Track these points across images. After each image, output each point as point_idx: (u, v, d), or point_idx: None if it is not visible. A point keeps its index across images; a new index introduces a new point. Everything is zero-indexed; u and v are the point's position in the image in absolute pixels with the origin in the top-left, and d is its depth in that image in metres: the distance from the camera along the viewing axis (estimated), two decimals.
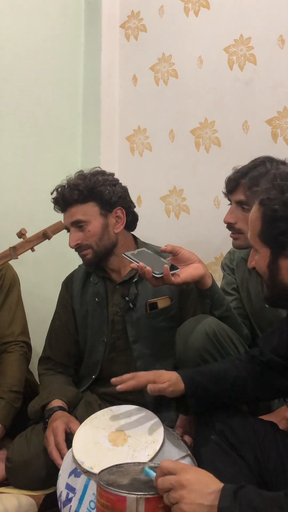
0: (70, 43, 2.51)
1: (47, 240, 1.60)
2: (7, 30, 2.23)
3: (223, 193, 1.77)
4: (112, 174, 1.84)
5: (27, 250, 1.53)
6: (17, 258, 1.52)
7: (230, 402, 1.35)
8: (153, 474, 0.98)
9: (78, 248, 1.75)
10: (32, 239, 1.54)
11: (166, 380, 1.33)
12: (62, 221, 1.76)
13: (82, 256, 1.77)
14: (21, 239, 1.53)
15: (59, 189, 1.76)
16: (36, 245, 1.54)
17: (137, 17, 2.46)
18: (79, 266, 1.90)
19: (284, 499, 0.91)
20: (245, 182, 1.66)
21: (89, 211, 1.73)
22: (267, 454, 1.24)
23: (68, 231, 1.77)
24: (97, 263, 1.77)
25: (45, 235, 1.55)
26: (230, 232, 1.76)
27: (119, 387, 1.34)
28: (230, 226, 1.74)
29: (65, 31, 2.49)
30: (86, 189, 1.72)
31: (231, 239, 1.77)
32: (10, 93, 2.26)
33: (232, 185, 1.71)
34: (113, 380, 1.36)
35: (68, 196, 1.73)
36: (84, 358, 1.83)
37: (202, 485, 0.93)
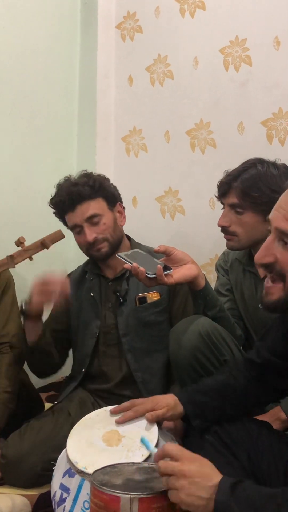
0: (66, 44, 2.52)
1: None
2: (3, 30, 2.23)
3: (216, 196, 1.77)
4: None
5: (25, 259, 1.53)
6: (14, 267, 1.52)
7: (233, 413, 1.33)
8: (151, 447, 1.01)
9: (95, 242, 1.75)
10: (30, 248, 1.53)
11: (164, 406, 1.32)
12: (65, 225, 1.77)
13: (97, 250, 1.77)
14: (19, 248, 1.52)
15: (63, 189, 1.77)
16: (34, 254, 1.54)
17: (133, 18, 2.47)
18: (77, 268, 1.94)
19: (281, 496, 0.92)
20: (237, 185, 1.66)
21: (100, 206, 1.77)
22: (260, 454, 1.24)
23: (80, 232, 1.76)
24: (110, 256, 1.79)
25: (43, 244, 1.55)
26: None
27: (118, 419, 1.32)
28: (224, 229, 1.74)
29: (61, 32, 2.49)
30: (97, 184, 1.76)
31: (226, 240, 1.77)
32: (5, 94, 2.26)
33: (224, 188, 1.71)
34: (112, 409, 1.34)
35: (79, 193, 1.74)
36: (76, 353, 1.86)
37: (204, 478, 0.93)
